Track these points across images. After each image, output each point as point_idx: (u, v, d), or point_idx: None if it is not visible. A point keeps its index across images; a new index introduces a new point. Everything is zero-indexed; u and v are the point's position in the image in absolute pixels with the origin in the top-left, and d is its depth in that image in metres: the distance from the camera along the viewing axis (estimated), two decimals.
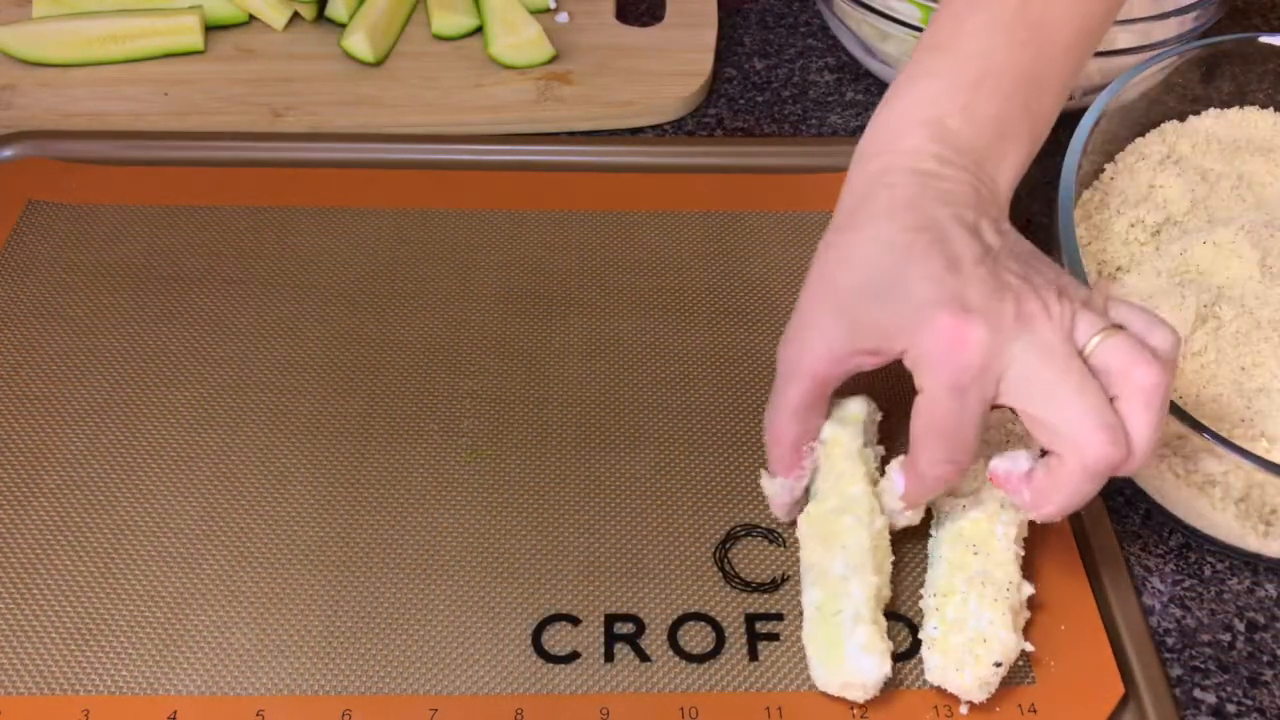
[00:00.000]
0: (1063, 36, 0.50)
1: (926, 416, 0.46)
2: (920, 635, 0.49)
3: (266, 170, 0.70)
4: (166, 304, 0.63)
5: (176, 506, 0.54)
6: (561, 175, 0.70)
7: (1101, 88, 0.64)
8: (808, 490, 0.53)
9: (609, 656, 0.50)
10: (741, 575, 0.52)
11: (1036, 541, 0.52)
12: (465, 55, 0.78)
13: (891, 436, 0.55)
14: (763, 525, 0.54)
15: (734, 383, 0.60)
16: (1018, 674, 0.49)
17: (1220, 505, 0.52)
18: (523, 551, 0.53)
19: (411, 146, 0.72)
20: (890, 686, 0.48)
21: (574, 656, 0.50)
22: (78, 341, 0.61)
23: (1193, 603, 0.54)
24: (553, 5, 0.82)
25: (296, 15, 0.80)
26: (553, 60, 0.77)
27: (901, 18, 0.71)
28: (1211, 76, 0.67)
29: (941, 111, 0.49)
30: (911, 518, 0.51)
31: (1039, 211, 0.69)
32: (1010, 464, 0.48)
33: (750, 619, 0.51)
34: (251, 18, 0.80)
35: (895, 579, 0.51)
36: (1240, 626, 0.53)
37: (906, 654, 0.50)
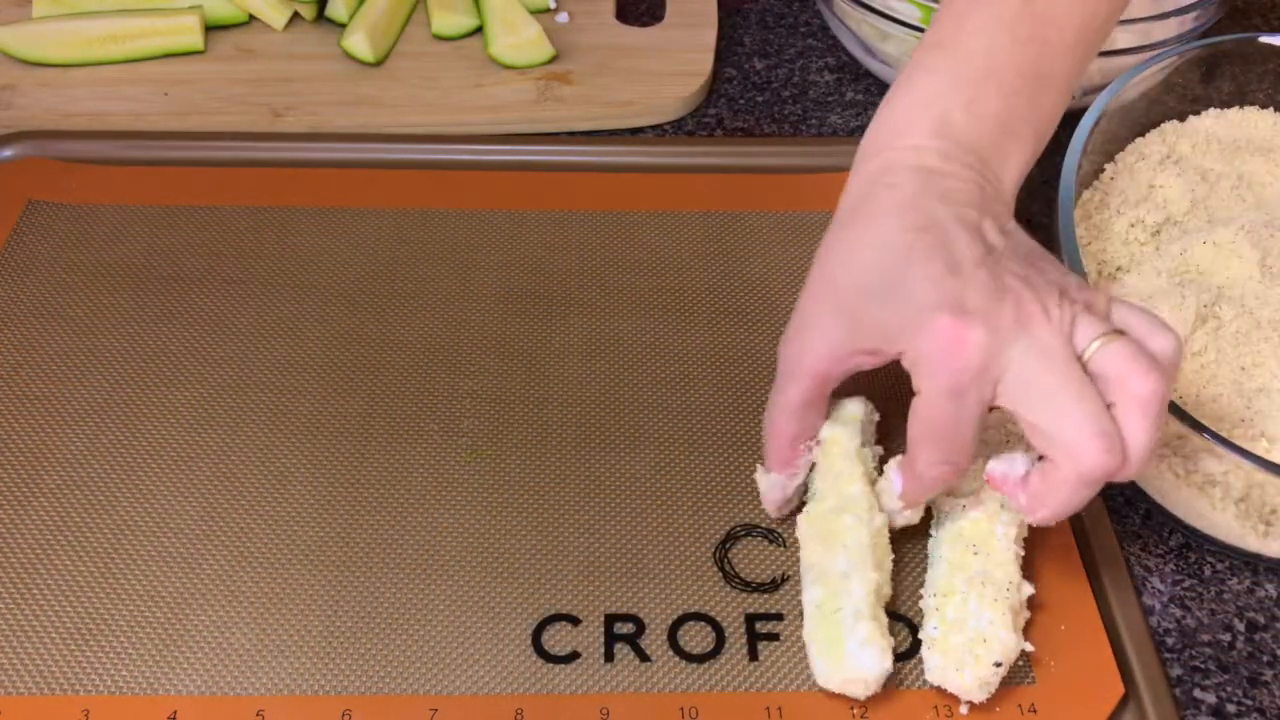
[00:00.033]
0: (1066, 34, 0.50)
1: (924, 418, 0.46)
2: (920, 635, 0.49)
3: (266, 170, 0.70)
4: (166, 304, 0.63)
5: (176, 506, 0.54)
6: (561, 175, 0.70)
7: (1101, 88, 0.64)
8: (804, 490, 0.53)
9: (609, 656, 0.50)
10: (741, 575, 0.52)
11: (1036, 541, 0.52)
12: (465, 55, 0.78)
13: (889, 436, 0.55)
14: (763, 525, 0.54)
15: (734, 383, 0.60)
16: (1018, 674, 0.49)
17: (1220, 505, 0.52)
18: (523, 551, 0.53)
19: (411, 146, 0.72)
20: (890, 686, 0.48)
21: (574, 656, 0.50)
22: (78, 341, 0.61)
23: (1193, 603, 0.54)
24: (553, 5, 0.82)
25: (296, 15, 0.80)
26: (553, 60, 0.77)
27: (901, 18, 0.71)
28: (1211, 76, 0.67)
29: (944, 108, 0.49)
30: (910, 516, 0.51)
31: (1039, 211, 0.69)
32: (1007, 467, 0.48)
33: (750, 619, 0.51)
34: (251, 18, 0.80)
35: (895, 579, 0.51)
36: (1240, 626, 0.53)
37: (906, 654, 0.50)
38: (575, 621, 0.51)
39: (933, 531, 0.52)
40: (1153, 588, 0.54)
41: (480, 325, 0.62)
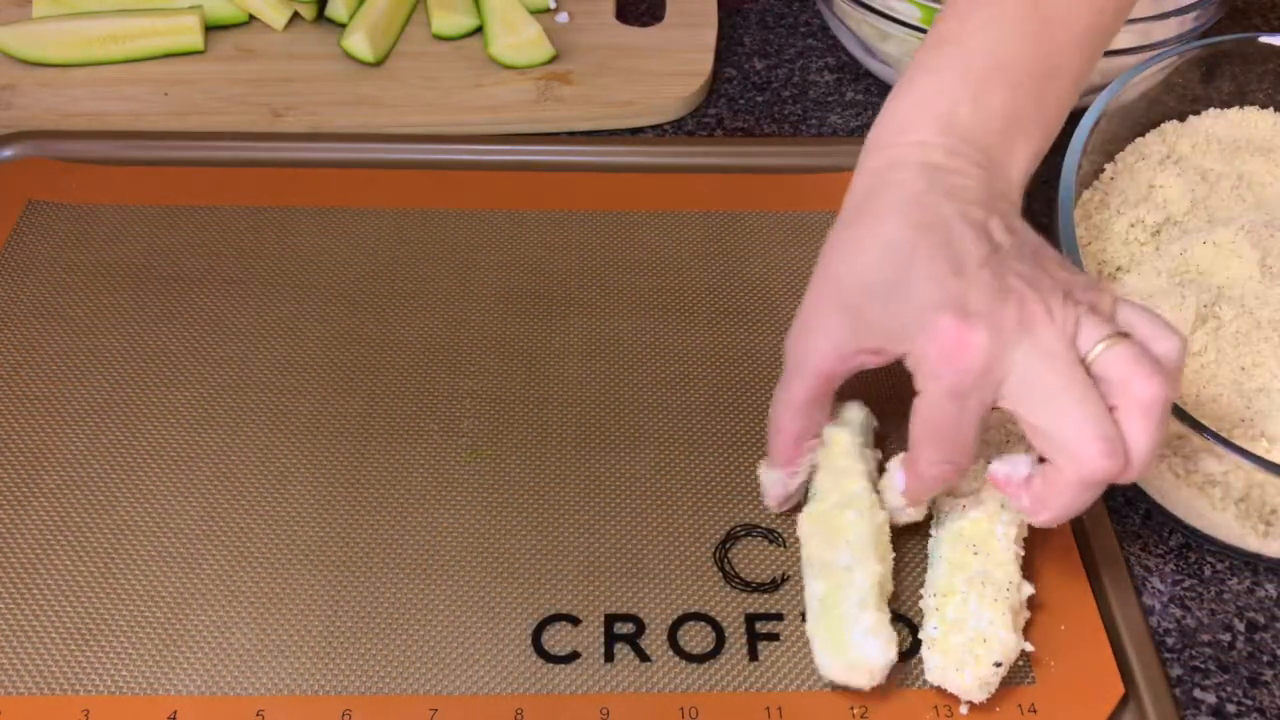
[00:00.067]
0: (1073, 32, 0.50)
1: (926, 419, 0.46)
2: (920, 635, 0.49)
3: (266, 170, 0.70)
4: (166, 304, 0.63)
5: (176, 506, 0.54)
6: (561, 175, 0.70)
7: (1101, 88, 0.64)
8: (805, 490, 0.53)
9: (609, 656, 0.50)
10: (741, 575, 0.52)
11: (1036, 542, 0.52)
12: (465, 55, 0.78)
13: (888, 440, 0.55)
14: (763, 525, 0.54)
15: (734, 383, 0.60)
16: (1018, 674, 0.49)
17: (1220, 505, 0.52)
18: (523, 551, 0.53)
19: (411, 146, 0.72)
20: (890, 686, 0.48)
21: (574, 656, 0.50)
22: (78, 341, 0.61)
23: (1193, 603, 0.54)
24: (553, 5, 0.82)
25: (296, 15, 0.80)
26: (553, 60, 0.77)
27: (901, 18, 0.71)
28: (1211, 76, 0.67)
29: (950, 104, 0.49)
30: (914, 514, 0.51)
31: (1039, 211, 0.69)
32: (1010, 468, 0.48)
33: (750, 619, 0.51)
34: (251, 18, 0.80)
35: (895, 579, 0.51)
36: (1240, 626, 0.53)
37: (906, 654, 0.50)
38: (575, 621, 0.51)
39: (933, 531, 0.52)
40: (1153, 588, 0.54)
41: (480, 325, 0.62)
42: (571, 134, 0.74)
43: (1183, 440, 0.51)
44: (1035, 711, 0.48)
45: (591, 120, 0.74)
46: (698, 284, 0.65)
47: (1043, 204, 0.69)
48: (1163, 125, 0.67)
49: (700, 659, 0.50)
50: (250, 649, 0.49)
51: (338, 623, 0.50)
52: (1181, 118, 0.67)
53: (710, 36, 0.79)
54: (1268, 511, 0.51)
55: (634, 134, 0.75)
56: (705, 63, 0.78)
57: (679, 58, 0.78)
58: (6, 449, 0.56)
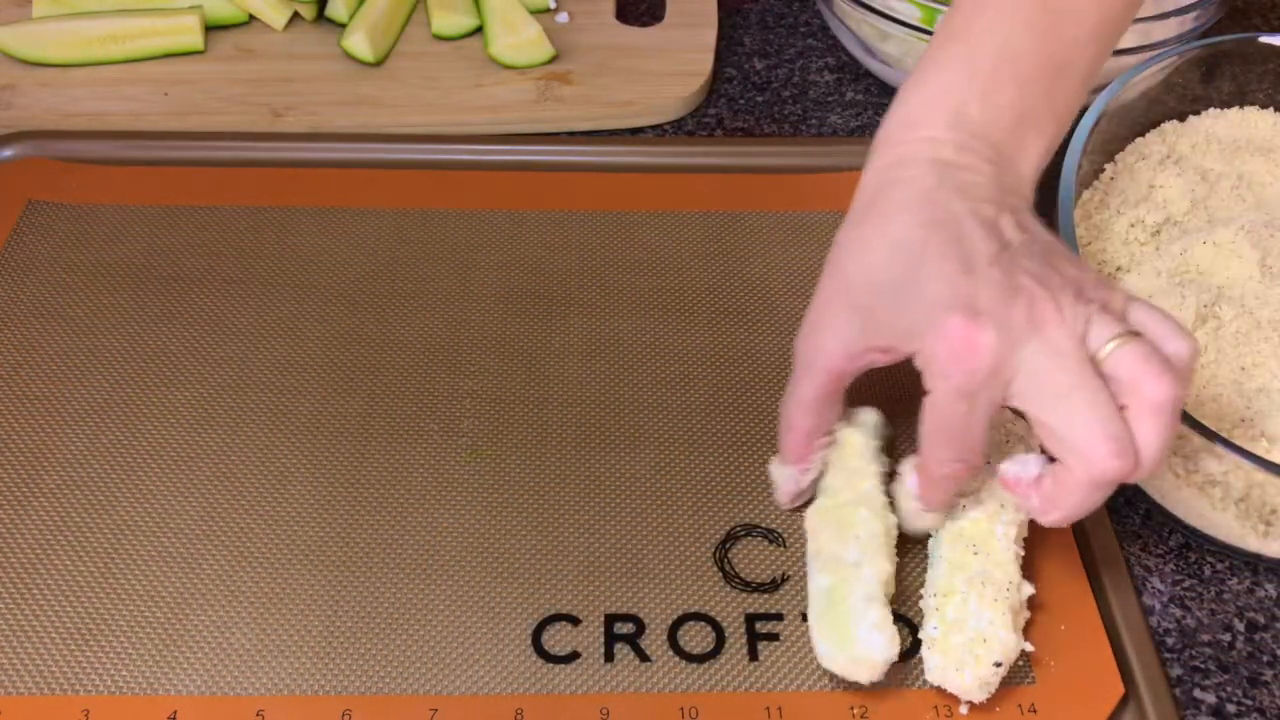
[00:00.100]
0: (1083, 28, 0.50)
1: (935, 418, 0.46)
2: (920, 635, 0.49)
3: (266, 170, 0.70)
4: (166, 304, 0.63)
5: (176, 506, 0.54)
6: (561, 175, 0.70)
7: (1101, 88, 0.64)
8: (814, 486, 0.53)
9: (609, 656, 0.50)
10: (741, 575, 0.52)
11: (1036, 542, 0.52)
12: (465, 55, 0.78)
13: (898, 444, 0.55)
14: (763, 525, 0.54)
15: (734, 383, 0.60)
16: (1018, 674, 0.49)
17: (1220, 505, 0.52)
18: (523, 551, 0.53)
19: (411, 146, 0.72)
20: (890, 686, 0.48)
21: (574, 656, 0.50)
22: (78, 341, 0.61)
23: (1193, 603, 0.54)
24: (553, 5, 0.82)
25: (296, 15, 0.80)
26: (553, 60, 0.77)
27: (901, 18, 0.71)
28: (1211, 76, 0.67)
29: (960, 99, 0.48)
30: (929, 520, 0.51)
31: (1039, 211, 0.68)
32: (1020, 468, 0.48)
33: (750, 619, 0.51)
34: (251, 18, 0.80)
35: (896, 579, 0.51)
36: (1240, 626, 0.53)
37: (907, 654, 0.50)
38: (575, 621, 0.51)
39: (933, 531, 0.52)
40: (1153, 588, 0.54)
41: (480, 325, 0.62)
42: (571, 134, 0.74)
43: (1183, 440, 0.51)
44: (1035, 711, 0.48)
45: (591, 120, 0.74)
46: (698, 284, 0.65)
47: (1043, 204, 0.68)
48: (1163, 125, 0.67)
49: (700, 659, 0.50)
50: (250, 649, 0.49)
51: (338, 623, 0.50)
52: (1181, 118, 0.67)
53: (710, 36, 0.79)
54: (1268, 511, 0.51)
55: (634, 134, 0.75)
56: (705, 63, 0.78)
57: (679, 58, 0.78)
58: (6, 449, 0.56)
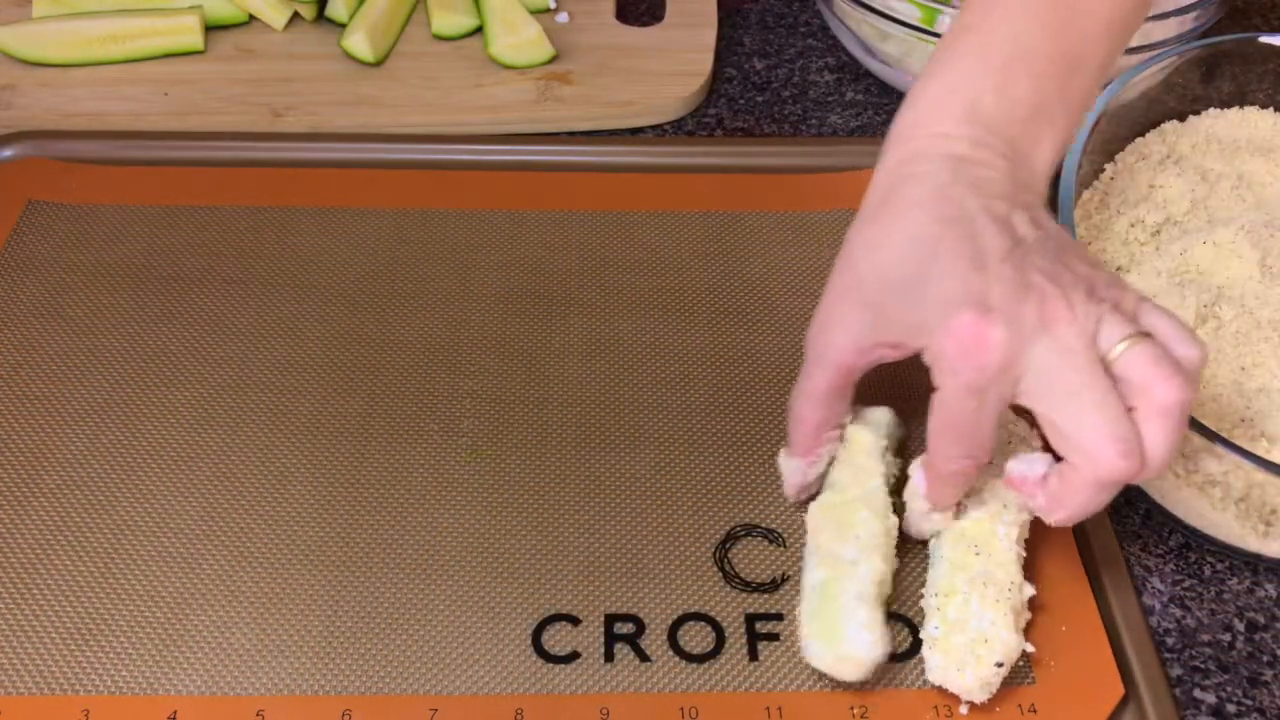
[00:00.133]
0: (1096, 21, 0.50)
1: (943, 414, 0.46)
2: (921, 635, 0.49)
3: (266, 170, 0.70)
4: (166, 304, 0.63)
5: (176, 506, 0.54)
6: (561, 175, 0.70)
7: (1102, 88, 0.64)
8: (821, 480, 0.53)
9: (609, 656, 0.50)
10: (741, 575, 0.52)
11: (1037, 542, 0.52)
12: (465, 55, 0.78)
13: (909, 445, 0.55)
14: (763, 525, 0.54)
15: (734, 383, 0.60)
16: (1018, 674, 0.49)
17: (1220, 505, 0.52)
18: (523, 551, 0.53)
19: (411, 146, 0.72)
20: (890, 686, 0.48)
21: (574, 656, 0.50)
22: (78, 341, 0.61)
23: (1193, 603, 0.54)
24: (553, 5, 0.82)
25: (296, 15, 0.80)
26: (553, 60, 0.77)
27: (901, 18, 0.71)
28: (1211, 76, 0.67)
29: (973, 93, 0.48)
30: (939, 521, 0.51)
31: None
32: (1026, 468, 0.48)
33: (750, 619, 0.51)
34: (251, 18, 0.80)
35: (896, 578, 0.51)
36: (1240, 626, 0.53)
37: (907, 654, 0.50)
38: (575, 621, 0.51)
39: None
40: (1153, 588, 0.54)
41: (480, 325, 0.62)
42: (571, 134, 0.74)
43: (1183, 440, 0.51)
44: (1035, 711, 0.48)
45: (591, 120, 0.74)
46: (698, 284, 0.65)
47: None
48: (1163, 125, 0.67)
49: (700, 659, 0.50)
50: (250, 649, 0.49)
51: (338, 623, 0.50)
52: (1181, 118, 0.67)
53: (710, 36, 0.79)
54: (1268, 511, 0.51)
55: (634, 134, 0.75)
56: (705, 63, 0.78)
57: (679, 58, 0.78)
58: (6, 449, 0.56)
